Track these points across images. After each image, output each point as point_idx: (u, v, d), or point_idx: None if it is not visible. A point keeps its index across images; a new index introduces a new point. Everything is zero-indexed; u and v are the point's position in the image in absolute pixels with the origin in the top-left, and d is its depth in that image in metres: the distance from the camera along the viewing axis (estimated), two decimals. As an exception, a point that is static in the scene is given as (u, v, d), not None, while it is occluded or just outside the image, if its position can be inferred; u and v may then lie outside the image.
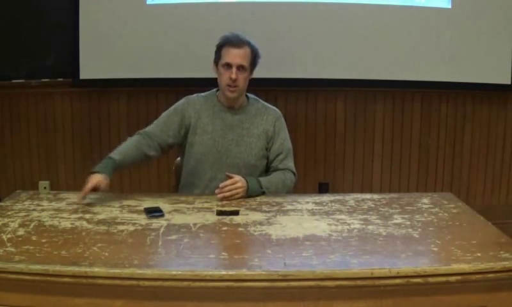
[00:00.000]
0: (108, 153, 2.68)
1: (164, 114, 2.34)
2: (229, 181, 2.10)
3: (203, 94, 2.39)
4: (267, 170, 2.37)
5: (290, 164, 2.34)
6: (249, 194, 2.12)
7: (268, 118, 2.33)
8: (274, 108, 2.40)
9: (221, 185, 2.09)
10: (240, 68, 2.19)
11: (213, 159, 2.27)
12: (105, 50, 3.40)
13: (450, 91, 3.53)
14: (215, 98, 2.34)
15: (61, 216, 1.87)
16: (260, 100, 2.41)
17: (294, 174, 2.34)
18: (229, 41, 2.21)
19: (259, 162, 2.31)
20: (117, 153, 2.20)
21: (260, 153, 2.31)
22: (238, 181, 2.10)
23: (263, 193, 2.17)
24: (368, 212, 1.94)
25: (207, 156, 2.27)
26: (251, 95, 2.39)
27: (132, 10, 3.37)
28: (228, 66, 2.20)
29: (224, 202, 2.06)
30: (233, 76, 2.18)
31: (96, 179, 2.04)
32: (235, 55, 2.19)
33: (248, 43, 2.23)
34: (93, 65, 3.41)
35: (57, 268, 1.46)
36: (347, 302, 1.47)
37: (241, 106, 2.32)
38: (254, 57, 2.25)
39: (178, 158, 2.51)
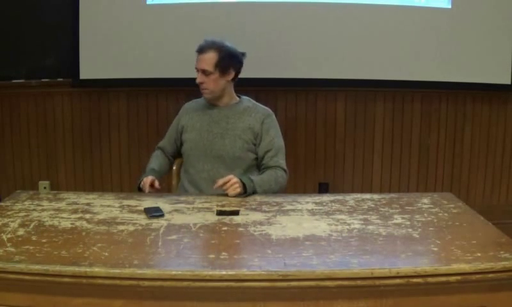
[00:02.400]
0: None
1: (170, 126, 2.58)
2: (223, 179, 2.16)
3: (199, 98, 2.52)
4: (259, 169, 2.42)
5: (281, 161, 2.38)
6: (245, 190, 2.16)
7: (256, 115, 2.41)
8: (266, 108, 2.47)
9: (218, 184, 2.14)
10: (204, 71, 2.35)
11: (199, 153, 2.38)
12: (105, 50, 3.40)
13: (450, 91, 3.53)
14: (206, 101, 2.47)
15: (61, 216, 1.88)
16: (253, 101, 2.50)
17: (285, 171, 2.38)
18: (197, 49, 2.39)
19: (244, 154, 2.37)
20: (154, 165, 2.48)
21: (245, 146, 2.37)
22: (232, 178, 2.16)
23: (255, 191, 2.21)
24: (368, 212, 1.94)
25: (194, 150, 2.40)
26: (245, 96, 2.50)
27: (132, 10, 3.36)
28: (197, 70, 2.38)
29: (224, 202, 2.06)
30: (198, 80, 2.36)
31: (149, 179, 2.31)
32: (198, 61, 2.37)
33: (214, 48, 2.35)
34: (93, 65, 3.41)
35: (57, 268, 1.46)
36: (347, 302, 1.47)
37: (228, 104, 2.43)
38: (222, 59, 2.34)
39: (178, 159, 2.57)
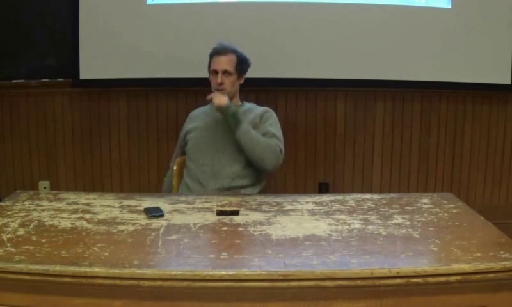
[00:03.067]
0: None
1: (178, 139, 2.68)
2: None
3: (202, 107, 2.63)
4: None
5: (278, 142, 2.41)
6: (229, 110, 2.32)
7: (257, 112, 2.50)
8: (267, 107, 2.57)
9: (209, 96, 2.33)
10: (225, 72, 2.43)
11: (201, 148, 2.45)
12: (105, 50, 3.40)
13: (450, 91, 3.53)
14: (211, 105, 2.54)
15: (61, 216, 1.88)
16: (255, 104, 2.60)
17: (280, 150, 2.39)
18: (215, 51, 2.48)
19: None
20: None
21: None
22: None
23: (239, 119, 2.33)
24: (368, 212, 1.94)
25: (196, 146, 2.47)
26: (248, 102, 2.60)
27: (132, 10, 3.36)
28: (215, 72, 2.45)
29: (224, 202, 2.06)
30: (219, 80, 2.42)
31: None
32: (219, 62, 2.44)
33: (233, 51, 2.47)
34: (93, 65, 3.41)
35: (57, 268, 1.46)
36: (347, 302, 1.47)
37: None
38: (240, 63, 2.47)
39: (178, 158, 2.57)
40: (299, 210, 1.98)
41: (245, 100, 2.62)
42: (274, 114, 2.52)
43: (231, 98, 2.47)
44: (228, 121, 2.32)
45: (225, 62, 2.43)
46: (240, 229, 1.79)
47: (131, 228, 1.77)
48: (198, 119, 2.55)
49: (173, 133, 3.48)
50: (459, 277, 1.46)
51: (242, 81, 2.51)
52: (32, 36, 3.43)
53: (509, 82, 3.43)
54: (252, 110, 2.52)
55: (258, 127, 2.44)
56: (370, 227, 1.78)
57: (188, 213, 1.93)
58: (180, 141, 2.61)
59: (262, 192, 2.47)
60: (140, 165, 3.56)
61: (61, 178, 3.59)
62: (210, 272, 1.45)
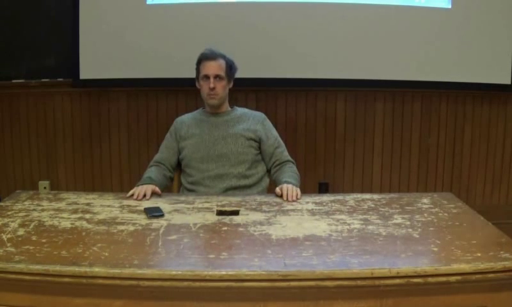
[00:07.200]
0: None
1: (163, 142, 2.55)
2: (285, 188, 2.16)
3: (189, 113, 2.61)
4: (267, 165, 2.48)
5: (288, 155, 2.50)
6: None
7: (254, 119, 2.52)
8: (260, 112, 2.61)
9: (284, 194, 2.14)
10: (217, 77, 2.42)
11: (202, 154, 2.42)
12: (105, 50, 3.39)
13: (450, 91, 3.53)
14: (201, 111, 2.56)
15: (61, 216, 1.88)
16: (246, 108, 2.62)
17: (293, 163, 2.49)
18: (205, 57, 2.46)
19: (247, 150, 2.43)
20: (150, 174, 2.35)
21: (247, 143, 2.44)
22: (287, 187, 2.17)
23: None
24: (368, 212, 1.94)
25: (196, 153, 2.43)
26: (238, 107, 2.61)
27: (132, 10, 3.36)
28: (206, 77, 2.43)
29: (224, 202, 2.06)
30: (211, 85, 2.41)
31: (150, 187, 2.17)
32: (210, 67, 2.43)
33: (222, 56, 2.47)
34: (93, 65, 3.41)
35: (57, 268, 1.46)
36: (347, 302, 1.47)
37: (225, 112, 2.52)
38: (229, 68, 2.48)
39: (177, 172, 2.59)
40: (299, 210, 1.98)
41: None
42: (268, 120, 2.56)
43: (223, 104, 2.49)
44: None
45: (216, 67, 2.42)
46: (240, 229, 1.79)
47: (131, 228, 1.77)
48: (191, 126, 2.49)
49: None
50: (459, 277, 1.47)
51: (231, 86, 2.52)
52: (32, 36, 3.43)
53: (509, 82, 3.43)
54: (247, 115, 2.52)
55: (263, 134, 2.46)
56: (370, 227, 1.79)
57: (188, 213, 1.93)
58: (172, 144, 2.49)
59: (267, 189, 2.49)
60: (140, 165, 3.55)
61: (61, 178, 3.59)
62: (210, 272, 1.45)
